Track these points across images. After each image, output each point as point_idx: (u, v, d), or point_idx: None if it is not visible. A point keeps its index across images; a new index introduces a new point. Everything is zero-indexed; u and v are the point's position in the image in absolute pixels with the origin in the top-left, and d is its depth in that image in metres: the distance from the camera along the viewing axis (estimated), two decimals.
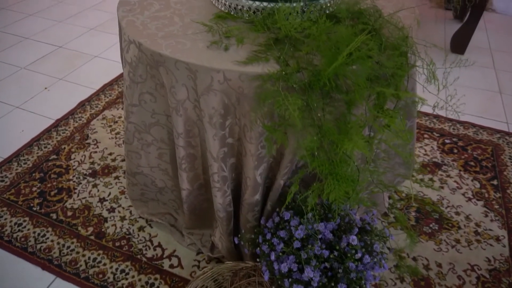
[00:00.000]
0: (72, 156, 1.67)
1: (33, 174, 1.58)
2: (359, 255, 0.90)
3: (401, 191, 1.54)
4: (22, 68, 2.25)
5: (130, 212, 1.44)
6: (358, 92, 0.73)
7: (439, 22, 2.88)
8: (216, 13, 1.03)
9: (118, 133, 1.80)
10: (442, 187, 1.57)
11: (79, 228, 1.37)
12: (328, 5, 1.00)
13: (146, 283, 1.21)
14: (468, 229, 1.40)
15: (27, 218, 1.40)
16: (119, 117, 1.89)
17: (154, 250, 1.31)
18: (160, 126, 1.08)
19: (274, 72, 0.77)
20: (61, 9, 2.96)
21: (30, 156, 1.66)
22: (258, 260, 1.00)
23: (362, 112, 0.81)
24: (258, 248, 1.00)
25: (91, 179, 1.57)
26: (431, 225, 1.41)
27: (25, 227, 1.37)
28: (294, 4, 0.92)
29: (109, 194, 1.50)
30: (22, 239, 1.32)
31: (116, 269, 1.24)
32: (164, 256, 1.29)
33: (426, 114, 1.95)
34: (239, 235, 1.09)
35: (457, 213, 1.46)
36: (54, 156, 1.66)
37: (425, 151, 1.74)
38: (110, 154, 1.68)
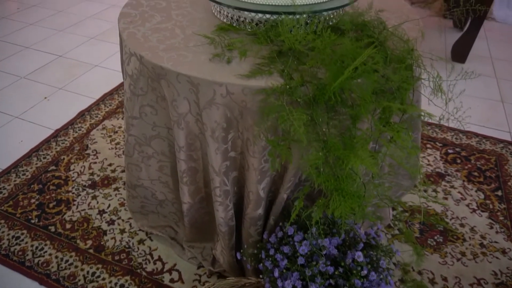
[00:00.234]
0: (72, 167, 1.65)
1: (32, 186, 1.56)
2: (364, 272, 0.88)
3: (405, 202, 1.52)
4: (22, 78, 2.24)
5: (130, 224, 1.41)
6: (364, 107, 0.71)
7: (439, 30, 2.89)
8: (218, 25, 1.02)
9: (118, 143, 1.78)
10: (446, 198, 1.55)
11: (78, 241, 1.35)
12: (331, 16, 0.99)
13: None
14: (473, 241, 1.38)
15: (25, 231, 1.37)
16: (119, 127, 1.88)
17: (154, 264, 1.28)
18: (161, 138, 1.06)
19: (278, 86, 0.76)
20: (62, 19, 2.96)
21: (29, 167, 1.64)
22: (261, 276, 0.98)
23: (368, 126, 0.80)
24: (261, 264, 0.98)
25: (90, 190, 1.54)
26: (435, 237, 1.39)
27: (22, 240, 1.34)
28: (297, 16, 0.91)
29: (109, 206, 1.48)
30: (20, 253, 1.30)
31: (116, 284, 1.22)
32: (165, 270, 1.26)
33: (428, 124, 1.93)
34: (242, 250, 1.07)
35: (462, 225, 1.44)
36: (53, 167, 1.64)
37: (428, 161, 1.72)
38: (110, 165, 1.66)
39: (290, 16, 0.90)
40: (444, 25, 2.98)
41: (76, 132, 1.84)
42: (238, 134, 0.90)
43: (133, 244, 1.35)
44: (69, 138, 1.80)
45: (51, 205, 1.48)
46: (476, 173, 1.67)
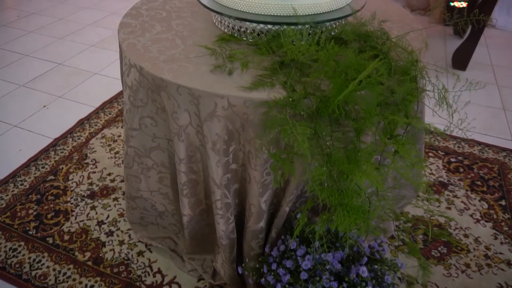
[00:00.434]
0: (70, 177, 1.63)
1: (30, 196, 1.53)
2: (369, 287, 0.86)
3: (407, 212, 1.50)
4: (21, 86, 2.23)
5: (129, 235, 1.39)
6: (368, 120, 0.70)
7: (439, 38, 2.88)
8: (219, 35, 1.01)
9: (117, 152, 1.77)
10: (449, 208, 1.53)
11: (76, 253, 1.32)
12: (334, 26, 0.98)
13: None
14: (478, 252, 1.36)
15: (22, 243, 1.35)
16: (119, 136, 1.86)
17: (154, 276, 1.26)
18: (161, 150, 1.05)
19: (280, 99, 0.74)
20: (62, 26, 2.96)
21: (27, 177, 1.62)
22: None
23: (372, 139, 0.78)
24: (263, 279, 0.96)
25: (89, 201, 1.52)
26: (439, 249, 1.37)
27: (20, 252, 1.32)
28: (299, 27, 0.90)
29: (108, 216, 1.46)
30: (17, 265, 1.28)
31: None
32: (164, 282, 1.24)
33: (430, 132, 1.92)
34: (243, 265, 1.05)
35: (466, 236, 1.42)
36: (52, 177, 1.62)
37: (431, 170, 1.71)
38: (109, 174, 1.65)
39: (292, 27, 0.89)
40: (444, 32, 2.98)
41: (75, 141, 1.82)
42: (239, 147, 0.88)
43: (132, 256, 1.32)
44: (68, 147, 1.78)
45: (49, 216, 1.46)
46: (479, 182, 1.65)
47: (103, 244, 1.36)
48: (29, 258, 1.30)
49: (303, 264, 0.88)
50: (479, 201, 1.56)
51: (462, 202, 1.56)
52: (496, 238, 1.41)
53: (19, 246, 1.34)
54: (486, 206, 1.54)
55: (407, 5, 3.36)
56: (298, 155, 0.75)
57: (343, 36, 0.93)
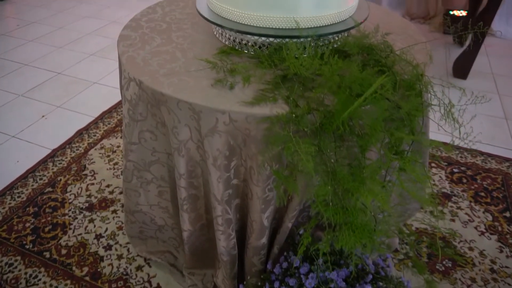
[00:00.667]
0: (68, 189, 1.60)
1: (27, 209, 1.51)
2: None
3: (411, 224, 1.48)
4: (19, 96, 2.22)
5: (128, 249, 1.36)
6: (374, 136, 0.68)
7: (439, 46, 2.88)
8: (220, 48, 1.00)
9: (116, 163, 1.74)
10: (453, 220, 1.51)
11: (74, 268, 1.30)
12: (336, 38, 0.97)
13: None
14: (483, 266, 1.33)
15: (18, 258, 1.32)
16: (118, 147, 1.84)
17: None
18: (161, 164, 1.03)
19: (283, 114, 0.73)
20: (62, 35, 2.96)
21: (24, 188, 1.60)
22: None
23: (376, 156, 0.76)
24: None
25: (87, 213, 1.50)
26: (444, 262, 1.34)
27: (16, 267, 1.29)
28: (302, 40, 0.89)
29: (106, 230, 1.43)
30: (13, 281, 1.25)
31: None
32: None
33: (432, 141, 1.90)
34: (245, 283, 1.02)
35: (471, 249, 1.39)
36: (50, 189, 1.60)
37: (434, 181, 1.69)
38: (108, 186, 1.62)
39: (295, 40, 0.88)
40: (444, 40, 2.98)
41: (74, 151, 1.80)
42: (241, 162, 0.86)
43: (131, 270, 1.30)
44: (66, 158, 1.76)
45: (46, 229, 1.43)
46: (483, 193, 1.63)
47: (101, 259, 1.33)
48: (25, 273, 1.27)
49: (306, 282, 0.86)
50: (483, 212, 1.54)
51: (466, 214, 1.53)
52: (501, 252, 1.38)
53: (15, 261, 1.31)
54: (490, 218, 1.52)
55: (406, 14, 3.37)
56: (301, 172, 0.73)
57: (346, 48, 0.92)
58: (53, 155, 1.78)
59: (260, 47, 0.95)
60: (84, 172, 1.69)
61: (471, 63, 2.41)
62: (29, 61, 2.58)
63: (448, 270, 1.32)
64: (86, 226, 1.45)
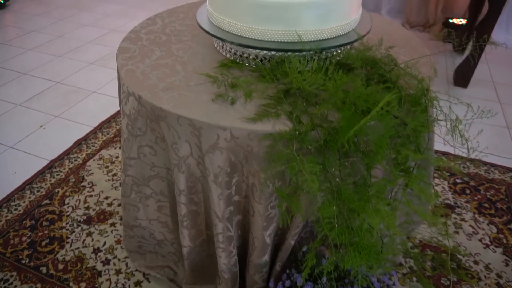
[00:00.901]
0: (66, 201, 1.58)
1: (24, 222, 1.48)
2: None
3: (414, 237, 1.46)
4: (17, 105, 2.20)
5: (126, 264, 1.34)
6: (379, 154, 0.66)
7: (439, 54, 2.88)
8: (220, 61, 0.98)
9: (115, 174, 1.72)
10: (457, 232, 1.48)
11: (71, 283, 1.27)
12: (339, 51, 0.95)
13: None
14: (489, 280, 1.31)
15: (14, 273, 1.29)
16: (116, 157, 1.82)
17: None
18: (160, 179, 1.00)
19: (286, 132, 0.71)
20: (61, 44, 2.95)
21: (21, 201, 1.57)
22: None
23: (382, 173, 0.74)
24: None
25: (85, 226, 1.47)
26: (449, 276, 1.32)
27: (11, 283, 1.26)
28: (304, 53, 0.87)
29: (104, 243, 1.40)
30: None
31: None
32: None
33: (435, 152, 1.88)
34: None
35: (476, 262, 1.37)
36: (47, 201, 1.57)
37: (437, 192, 1.66)
38: (106, 198, 1.60)
39: (297, 54, 0.86)
40: (444, 48, 2.97)
41: (72, 162, 1.78)
42: (242, 178, 0.84)
43: (129, 286, 1.27)
44: (64, 169, 1.74)
45: (43, 243, 1.40)
46: (486, 205, 1.61)
47: (99, 274, 1.30)
48: None
49: None
50: (488, 224, 1.52)
51: (470, 225, 1.51)
52: (507, 265, 1.36)
53: (11, 276, 1.28)
54: (495, 230, 1.49)
55: (406, 22, 3.37)
56: (305, 191, 0.71)
57: (349, 62, 0.90)
58: (51, 166, 1.75)
59: (261, 60, 0.94)
60: (82, 184, 1.66)
61: (472, 72, 2.40)
62: (28, 70, 2.56)
63: (453, 285, 1.29)
64: (84, 240, 1.42)
